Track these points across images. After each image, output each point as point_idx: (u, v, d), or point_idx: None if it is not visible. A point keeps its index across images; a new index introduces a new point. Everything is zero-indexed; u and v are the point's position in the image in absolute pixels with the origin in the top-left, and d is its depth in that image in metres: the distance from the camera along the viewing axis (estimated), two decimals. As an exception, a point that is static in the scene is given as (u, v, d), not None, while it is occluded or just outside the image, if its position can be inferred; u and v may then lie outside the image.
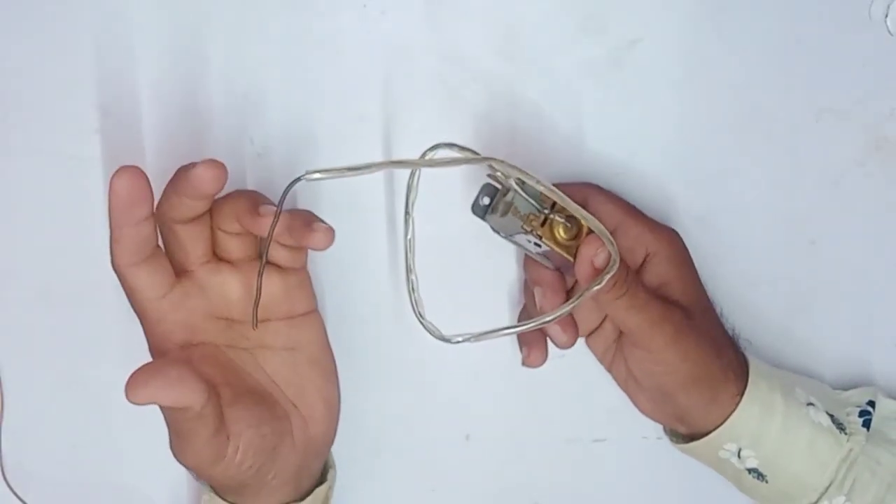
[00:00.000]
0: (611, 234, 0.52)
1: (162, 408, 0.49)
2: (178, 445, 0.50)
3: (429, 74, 0.59)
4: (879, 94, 0.60)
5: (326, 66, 0.59)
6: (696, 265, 0.56)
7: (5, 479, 0.60)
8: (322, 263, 0.59)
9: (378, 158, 0.59)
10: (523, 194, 0.51)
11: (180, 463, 0.51)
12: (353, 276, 0.60)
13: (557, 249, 0.52)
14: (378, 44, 0.59)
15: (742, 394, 0.54)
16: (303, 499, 0.55)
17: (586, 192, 0.55)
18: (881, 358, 0.62)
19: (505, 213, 0.52)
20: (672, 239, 0.55)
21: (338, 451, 0.60)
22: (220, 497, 0.54)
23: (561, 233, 0.51)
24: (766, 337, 0.61)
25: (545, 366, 0.58)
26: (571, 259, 0.51)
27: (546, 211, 0.51)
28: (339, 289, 0.60)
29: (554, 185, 0.55)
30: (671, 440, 0.59)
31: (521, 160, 0.59)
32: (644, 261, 0.54)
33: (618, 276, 0.50)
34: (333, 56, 0.59)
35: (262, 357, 0.53)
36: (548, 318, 0.51)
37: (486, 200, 0.53)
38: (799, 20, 0.59)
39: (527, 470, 0.62)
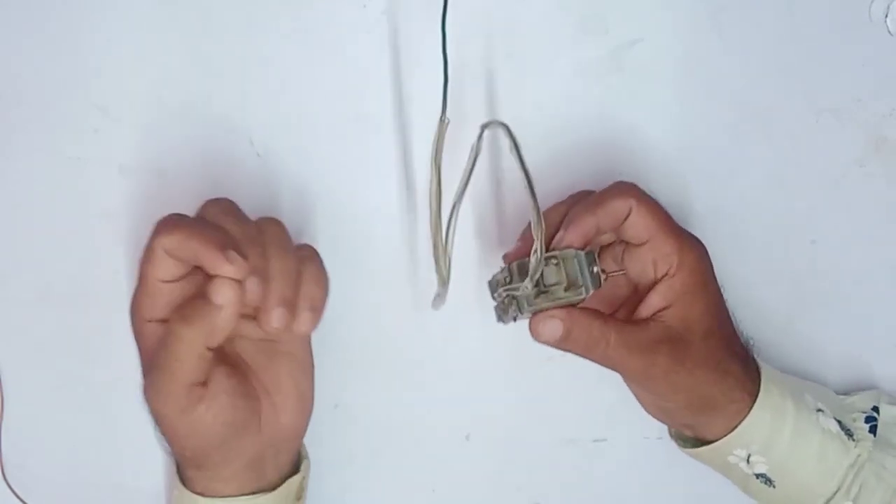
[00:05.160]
0: (644, 244, 0.53)
1: (172, 337, 0.49)
2: (158, 383, 0.50)
3: (428, 74, 0.59)
4: (879, 94, 0.60)
5: (326, 66, 0.59)
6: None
7: (5, 479, 0.60)
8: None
9: (376, 156, 0.59)
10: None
11: (148, 406, 0.50)
12: (353, 277, 0.60)
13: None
14: (378, 44, 0.59)
15: (754, 401, 0.54)
16: (273, 489, 0.55)
17: (630, 202, 0.53)
18: (882, 357, 0.62)
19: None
20: (696, 264, 0.54)
21: (339, 450, 0.60)
22: (189, 489, 0.54)
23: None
24: (767, 337, 0.61)
25: (545, 366, 0.58)
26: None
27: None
28: (339, 290, 0.60)
29: (592, 192, 0.55)
30: (678, 444, 0.59)
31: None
32: (663, 276, 0.53)
33: (588, 343, 0.52)
34: (333, 56, 0.59)
35: (239, 345, 0.54)
36: None
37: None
38: (799, 20, 0.59)
39: (527, 470, 0.62)
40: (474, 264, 0.60)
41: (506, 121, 0.58)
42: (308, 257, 0.52)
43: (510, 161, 0.50)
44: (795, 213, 0.61)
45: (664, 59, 0.59)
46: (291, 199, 0.59)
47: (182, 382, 0.49)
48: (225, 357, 0.53)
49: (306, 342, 0.55)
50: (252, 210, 0.58)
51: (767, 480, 0.56)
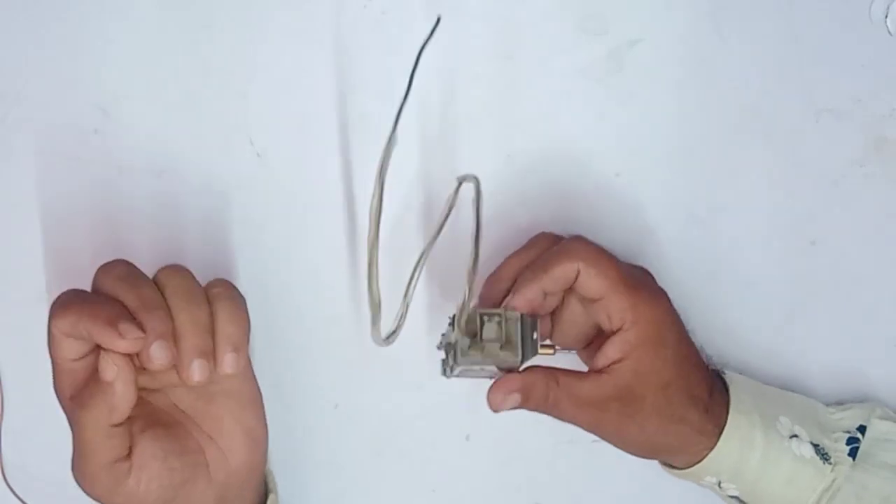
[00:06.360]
0: (596, 300, 0.52)
1: (75, 423, 0.49)
2: (79, 467, 0.50)
3: (429, 75, 0.59)
4: (879, 94, 0.60)
5: (326, 66, 0.59)
6: (695, 266, 0.56)
7: (5, 479, 0.60)
8: (320, 264, 0.59)
9: (376, 156, 0.59)
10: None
11: (82, 489, 0.50)
12: (353, 276, 0.60)
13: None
14: (378, 44, 0.59)
15: (717, 439, 0.54)
16: None
17: (577, 266, 0.52)
18: (882, 358, 0.62)
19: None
20: (651, 319, 0.53)
21: (338, 451, 0.60)
22: None
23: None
24: (765, 338, 0.61)
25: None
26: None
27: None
28: (339, 288, 0.60)
29: (550, 237, 0.55)
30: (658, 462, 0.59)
31: (521, 161, 0.59)
32: (617, 331, 0.53)
33: (539, 401, 0.52)
34: (333, 56, 0.59)
35: (174, 395, 0.52)
36: None
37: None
38: (799, 20, 0.59)
39: (527, 470, 0.62)
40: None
41: (505, 121, 0.58)
42: (219, 295, 0.50)
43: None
44: (795, 214, 0.61)
45: (664, 59, 0.59)
46: (290, 200, 0.59)
47: (98, 464, 0.49)
48: (157, 415, 0.52)
49: (246, 375, 0.53)
50: (251, 211, 0.59)
51: (742, 502, 0.57)
